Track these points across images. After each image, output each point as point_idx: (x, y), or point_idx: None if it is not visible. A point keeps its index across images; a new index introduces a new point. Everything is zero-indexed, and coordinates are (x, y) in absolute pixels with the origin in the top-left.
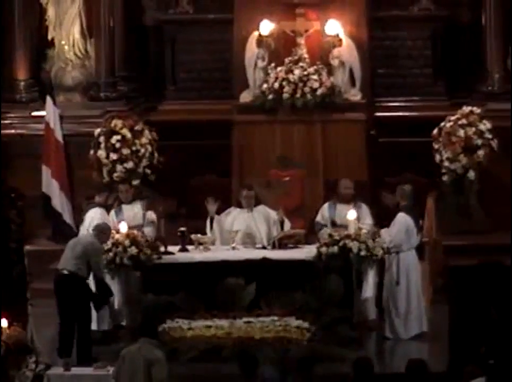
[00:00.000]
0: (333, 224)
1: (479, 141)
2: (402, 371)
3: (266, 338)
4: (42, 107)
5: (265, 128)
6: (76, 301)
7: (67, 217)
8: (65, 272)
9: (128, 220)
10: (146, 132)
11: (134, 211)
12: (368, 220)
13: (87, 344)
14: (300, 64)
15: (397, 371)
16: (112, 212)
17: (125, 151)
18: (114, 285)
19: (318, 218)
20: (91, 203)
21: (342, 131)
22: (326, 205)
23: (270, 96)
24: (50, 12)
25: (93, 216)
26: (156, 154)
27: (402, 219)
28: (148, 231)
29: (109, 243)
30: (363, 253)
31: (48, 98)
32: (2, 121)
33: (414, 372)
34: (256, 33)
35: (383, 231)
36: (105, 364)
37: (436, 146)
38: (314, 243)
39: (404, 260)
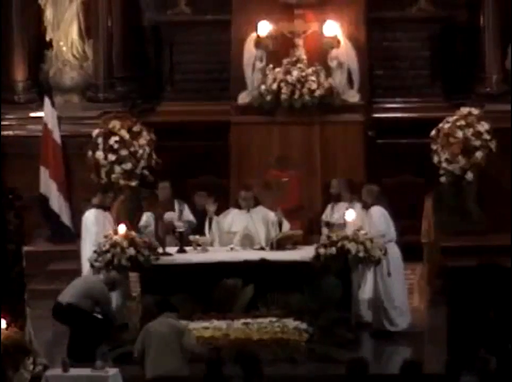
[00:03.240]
0: (327, 223)
1: (478, 143)
2: (398, 373)
3: (264, 340)
4: (40, 108)
5: (263, 129)
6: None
7: (65, 218)
8: (64, 303)
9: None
10: (144, 133)
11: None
12: (359, 220)
13: (93, 343)
14: (298, 65)
15: (394, 372)
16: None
17: (123, 152)
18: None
19: (323, 216)
20: (88, 205)
21: (340, 132)
22: (329, 206)
23: (268, 97)
24: (48, 13)
25: (88, 217)
26: (154, 155)
27: (378, 210)
28: (181, 228)
29: (107, 244)
30: (361, 254)
31: (46, 99)
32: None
33: (408, 373)
34: (254, 34)
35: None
36: (104, 365)
37: (434, 147)
38: (312, 244)
39: (391, 252)
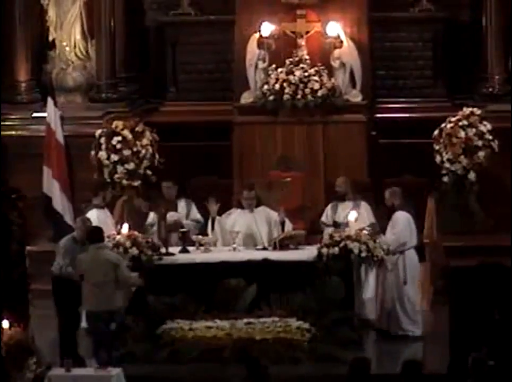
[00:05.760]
0: (335, 223)
1: (480, 143)
2: (398, 372)
3: (266, 339)
4: (43, 109)
5: (266, 129)
6: (59, 301)
7: (68, 218)
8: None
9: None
10: (147, 133)
11: (177, 209)
12: (365, 218)
13: (71, 342)
14: (301, 65)
15: (396, 372)
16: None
17: (126, 152)
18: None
19: (323, 218)
20: (89, 205)
21: (342, 132)
22: (330, 205)
23: (271, 97)
24: (51, 13)
25: (91, 218)
26: (157, 155)
27: (403, 217)
28: (191, 228)
29: (110, 244)
30: (363, 254)
31: (49, 100)
32: (3, 122)
33: (409, 373)
34: (257, 34)
35: (385, 236)
36: (106, 365)
37: (436, 147)
38: (315, 244)
39: (409, 259)
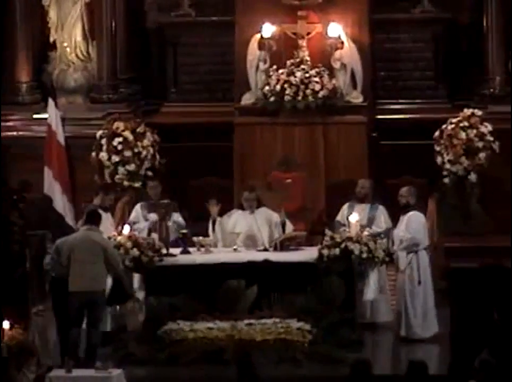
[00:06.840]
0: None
1: (481, 144)
2: (403, 373)
3: (267, 340)
4: (44, 110)
5: (267, 130)
6: (57, 301)
7: (69, 219)
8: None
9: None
10: (148, 134)
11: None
12: (382, 222)
13: (66, 342)
14: (302, 66)
15: (398, 373)
16: (138, 206)
17: (127, 153)
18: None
19: (338, 217)
20: (89, 206)
21: (343, 133)
22: (346, 205)
23: (272, 99)
24: (52, 14)
25: None
26: (158, 156)
27: (420, 218)
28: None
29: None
30: (364, 255)
31: (50, 101)
32: (4, 123)
33: (415, 374)
34: (258, 36)
35: (396, 231)
36: (107, 366)
37: (437, 148)
38: (316, 245)
39: (422, 260)
